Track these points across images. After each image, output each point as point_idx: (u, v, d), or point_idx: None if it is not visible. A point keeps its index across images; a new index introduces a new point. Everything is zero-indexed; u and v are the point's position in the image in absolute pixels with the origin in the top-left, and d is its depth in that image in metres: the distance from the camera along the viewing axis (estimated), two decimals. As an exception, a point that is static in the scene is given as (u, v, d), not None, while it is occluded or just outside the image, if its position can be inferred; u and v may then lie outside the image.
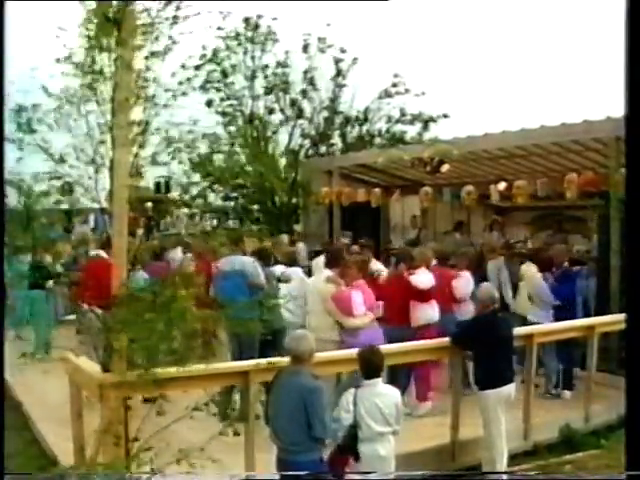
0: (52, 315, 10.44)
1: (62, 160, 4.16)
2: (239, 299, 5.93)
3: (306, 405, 4.34)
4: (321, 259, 8.97)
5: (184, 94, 4.25)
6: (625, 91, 3.61)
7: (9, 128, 3.99)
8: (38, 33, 3.98)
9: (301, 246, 11.97)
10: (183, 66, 3.92)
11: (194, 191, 15.37)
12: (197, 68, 14.59)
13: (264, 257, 7.69)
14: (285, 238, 11.92)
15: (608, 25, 8.94)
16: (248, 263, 7.15)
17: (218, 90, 15.41)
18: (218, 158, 15.62)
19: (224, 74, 15.37)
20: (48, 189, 4.30)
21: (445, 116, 16.58)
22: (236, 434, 4.61)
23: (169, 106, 4.21)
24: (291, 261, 8.23)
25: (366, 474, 4.70)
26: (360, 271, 6.78)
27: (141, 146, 4.20)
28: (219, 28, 14.74)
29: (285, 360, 4.71)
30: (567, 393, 7.76)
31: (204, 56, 14.98)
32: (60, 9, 3.99)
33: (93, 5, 4.02)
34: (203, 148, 14.99)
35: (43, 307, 9.81)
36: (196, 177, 15.02)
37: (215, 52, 15.10)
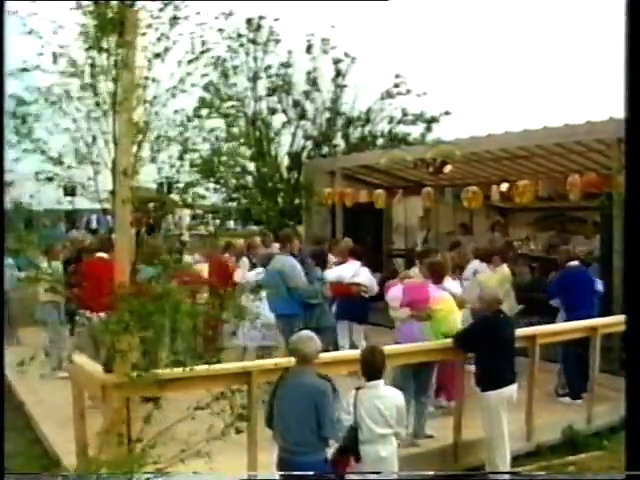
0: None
1: (60, 161, 4.13)
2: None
3: (317, 406, 4.35)
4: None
5: (183, 92, 4.24)
6: (625, 92, 3.60)
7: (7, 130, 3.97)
8: (34, 33, 3.94)
9: (276, 247, 11.66)
10: (179, 63, 3.86)
11: (197, 191, 15.26)
12: (190, 62, 14.48)
13: (318, 258, 7.68)
14: (258, 240, 11.07)
15: (609, 26, 8.93)
16: (287, 264, 7.13)
17: (218, 90, 15.35)
18: (220, 159, 15.57)
19: (225, 75, 15.29)
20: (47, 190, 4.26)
21: (447, 113, 16.56)
22: (239, 432, 4.58)
23: (168, 105, 4.20)
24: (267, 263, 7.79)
25: (368, 475, 4.69)
26: (428, 269, 6.93)
27: (141, 146, 4.19)
28: (220, 29, 14.58)
29: (290, 360, 4.72)
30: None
31: (202, 52, 14.90)
32: (57, 9, 3.97)
33: (92, 5, 4.02)
34: (204, 149, 15.00)
35: None
36: (196, 177, 14.95)
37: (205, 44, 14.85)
